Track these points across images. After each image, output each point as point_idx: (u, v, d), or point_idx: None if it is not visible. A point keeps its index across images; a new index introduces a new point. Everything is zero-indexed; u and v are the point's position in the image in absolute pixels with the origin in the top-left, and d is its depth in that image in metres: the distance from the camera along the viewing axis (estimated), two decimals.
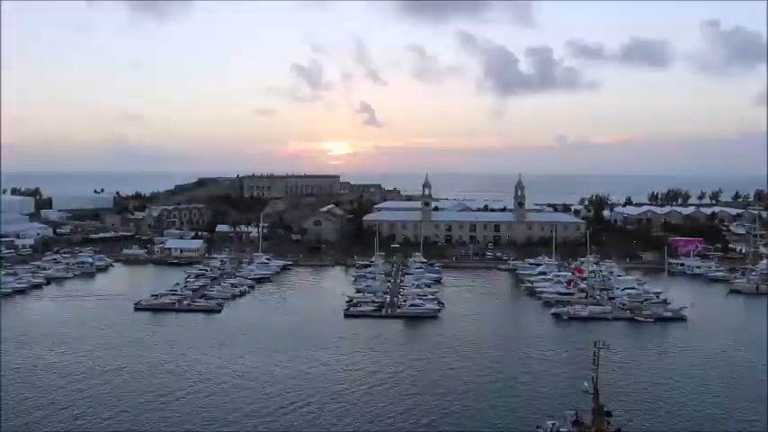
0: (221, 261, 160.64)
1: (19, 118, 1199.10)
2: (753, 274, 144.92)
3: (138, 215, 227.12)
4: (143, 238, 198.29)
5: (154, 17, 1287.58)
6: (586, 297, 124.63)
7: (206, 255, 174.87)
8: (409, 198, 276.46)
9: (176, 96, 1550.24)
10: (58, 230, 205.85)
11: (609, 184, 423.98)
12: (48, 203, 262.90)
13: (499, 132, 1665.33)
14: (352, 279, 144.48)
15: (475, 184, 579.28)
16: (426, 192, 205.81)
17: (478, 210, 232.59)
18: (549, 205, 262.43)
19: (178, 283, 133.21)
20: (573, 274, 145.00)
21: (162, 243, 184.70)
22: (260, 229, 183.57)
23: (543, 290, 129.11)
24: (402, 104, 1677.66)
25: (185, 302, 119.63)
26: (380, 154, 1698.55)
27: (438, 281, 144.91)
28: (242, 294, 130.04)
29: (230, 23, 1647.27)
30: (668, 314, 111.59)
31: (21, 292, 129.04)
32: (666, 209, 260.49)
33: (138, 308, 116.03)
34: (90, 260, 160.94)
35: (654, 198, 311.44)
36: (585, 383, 51.20)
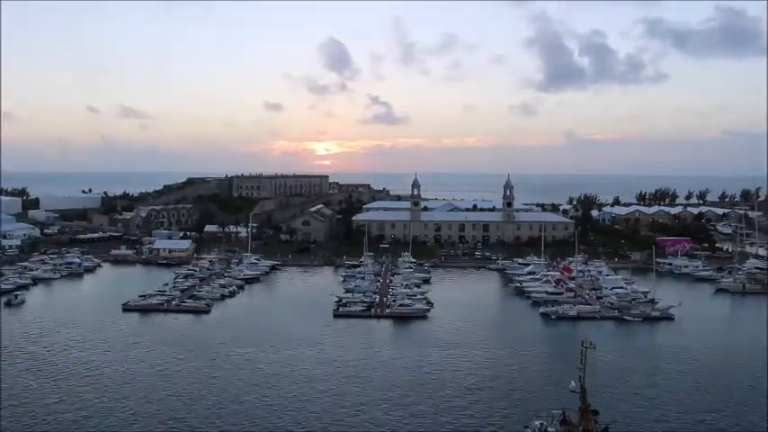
0: (210, 261, 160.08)
1: (10, 114, 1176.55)
2: (739, 273, 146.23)
3: (127, 215, 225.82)
4: (131, 238, 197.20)
5: (165, 10, 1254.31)
6: (575, 297, 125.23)
7: (195, 255, 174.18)
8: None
9: (181, 94, 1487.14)
10: (45, 231, 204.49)
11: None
12: (35, 203, 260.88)
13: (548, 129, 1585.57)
14: (342, 279, 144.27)
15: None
16: (415, 192, 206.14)
17: (467, 210, 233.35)
18: (537, 205, 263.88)
19: (167, 284, 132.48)
20: (561, 273, 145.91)
21: (150, 243, 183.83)
22: (249, 229, 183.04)
23: (532, 289, 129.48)
24: (430, 100, 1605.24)
25: (174, 303, 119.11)
26: (399, 153, 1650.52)
27: (427, 281, 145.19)
28: (231, 295, 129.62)
29: (250, 17, 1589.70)
30: (656, 313, 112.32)
31: (7, 293, 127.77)
32: (654, 209, 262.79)
33: (127, 308, 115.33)
34: (77, 261, 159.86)
35: (642, 198, 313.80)
36: (573, 383, 51.46)
